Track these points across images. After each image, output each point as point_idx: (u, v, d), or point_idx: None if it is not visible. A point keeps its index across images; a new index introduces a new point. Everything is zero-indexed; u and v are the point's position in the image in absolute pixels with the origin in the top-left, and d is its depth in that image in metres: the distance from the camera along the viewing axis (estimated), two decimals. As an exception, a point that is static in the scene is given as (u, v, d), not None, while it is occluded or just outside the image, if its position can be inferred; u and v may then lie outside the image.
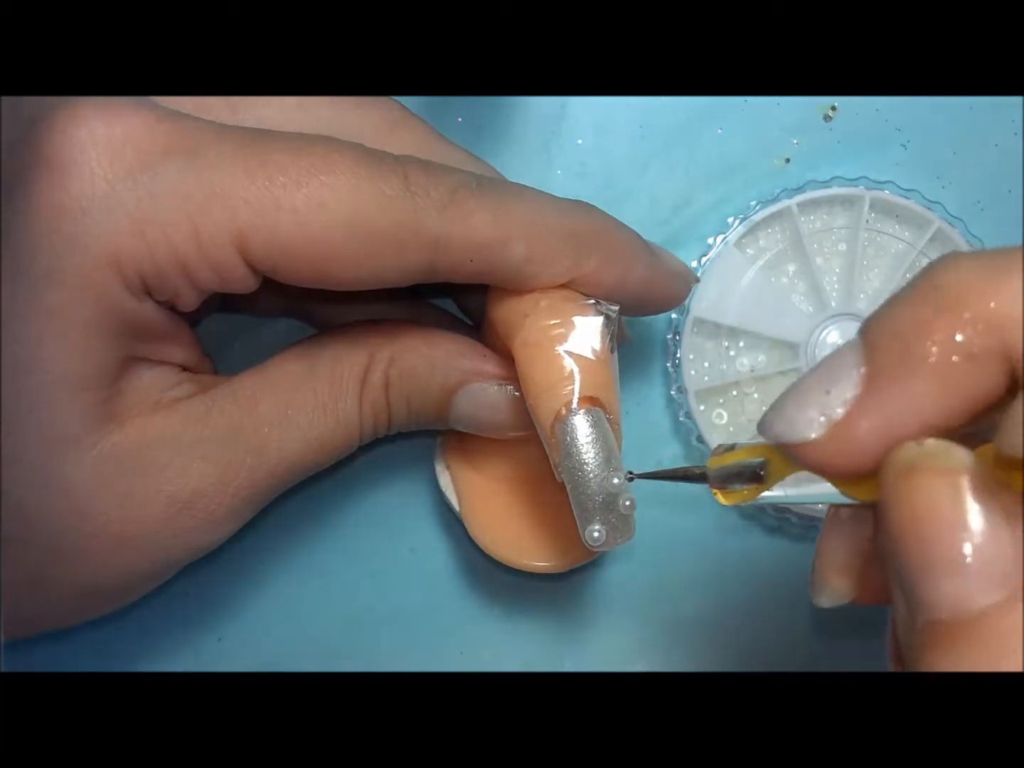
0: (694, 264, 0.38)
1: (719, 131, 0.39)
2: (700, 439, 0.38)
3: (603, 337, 0.32)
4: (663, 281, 0.34)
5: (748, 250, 0.38)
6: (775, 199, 0.38)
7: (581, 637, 0.38)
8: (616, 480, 0.31)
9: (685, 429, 0.38)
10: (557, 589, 0.38)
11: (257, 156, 0.28)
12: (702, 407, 0.38)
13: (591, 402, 0.31)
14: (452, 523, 0.38)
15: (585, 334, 0.32)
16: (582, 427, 0.31)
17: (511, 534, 0.36)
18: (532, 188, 0.32)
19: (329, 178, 0.28)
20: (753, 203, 0.38)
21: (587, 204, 0.32)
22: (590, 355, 0.32)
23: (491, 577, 0.38)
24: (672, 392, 0.38)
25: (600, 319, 0.32)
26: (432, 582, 0.38)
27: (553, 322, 0.32)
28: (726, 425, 0.38)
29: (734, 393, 0.38)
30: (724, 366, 0.39)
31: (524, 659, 0.38)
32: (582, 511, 0.31)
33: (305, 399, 0.32)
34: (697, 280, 0.36)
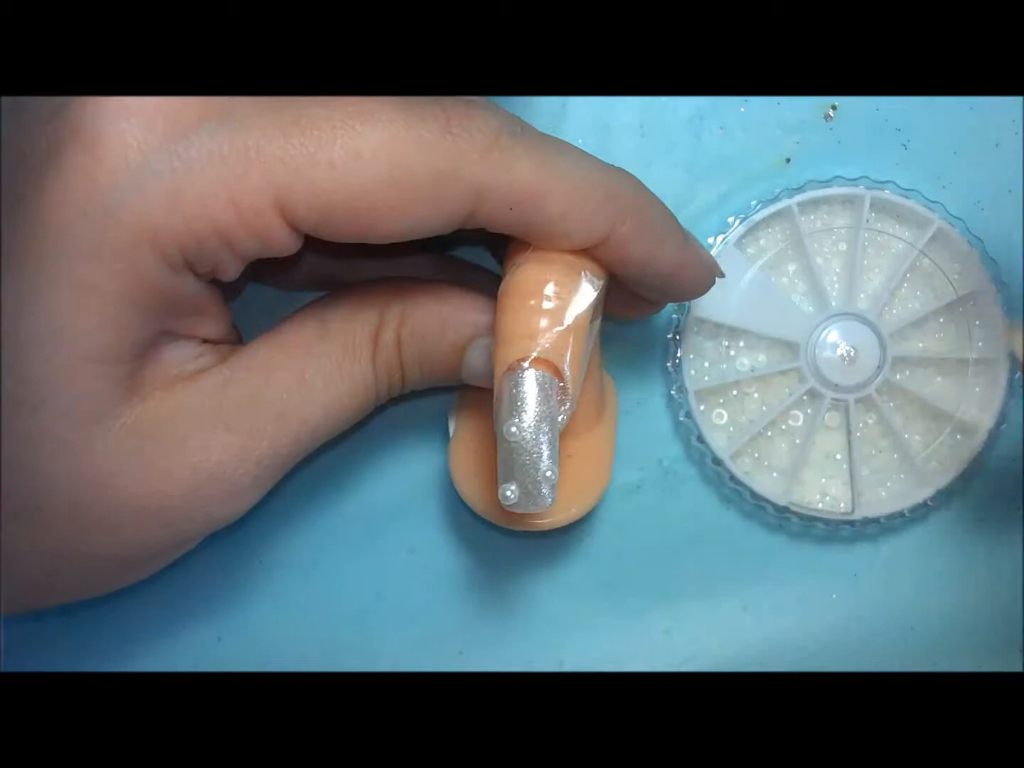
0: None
1: (719, 131, 0.39)
2: (700, 439, 0.38)
3: (582, 306, 0.31)
4: (691, 264, 0.33)
5: (748, 250, 0.38)
6: (775, 199, 0.38)
7: (581, 637, 0.38)
8: (514, 430, 0.30)
9: (685, 429, 0.38)
10: (557, 589, 0.38)
11: (290, 114, 0.28)
12: (702, 407, 0.38)
13: (547, 366, 0.30)
14: (452, 523, 0.38)
15: (565, 297, 0.31)
16: (527, 385, 0.30)
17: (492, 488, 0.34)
18: (572, 144, 0.31)
19: (365, 128, 0.28)
20: (753, 203, 0.38)
21: (627, 172, 0.32)
22: (563, 320, 0.30)
23: (491, 577, 0.38)
24: (672, 392, 0.38)
25: (588, 287, 0.31)
26: (432, 582, 0.38)
27: (537, 277, 0.31)
28: (726, 425, 0.38)
29: (734, 393, 0.38)
30: (724, 366, 0.39)
31: (524, 659, 0.38)
32: (503, 466, 0.30)
33: (320, 363, 0.31)
34: (722, 274, 0.35)
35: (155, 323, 0.29)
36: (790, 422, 0.38)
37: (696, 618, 0.38)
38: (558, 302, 0.31)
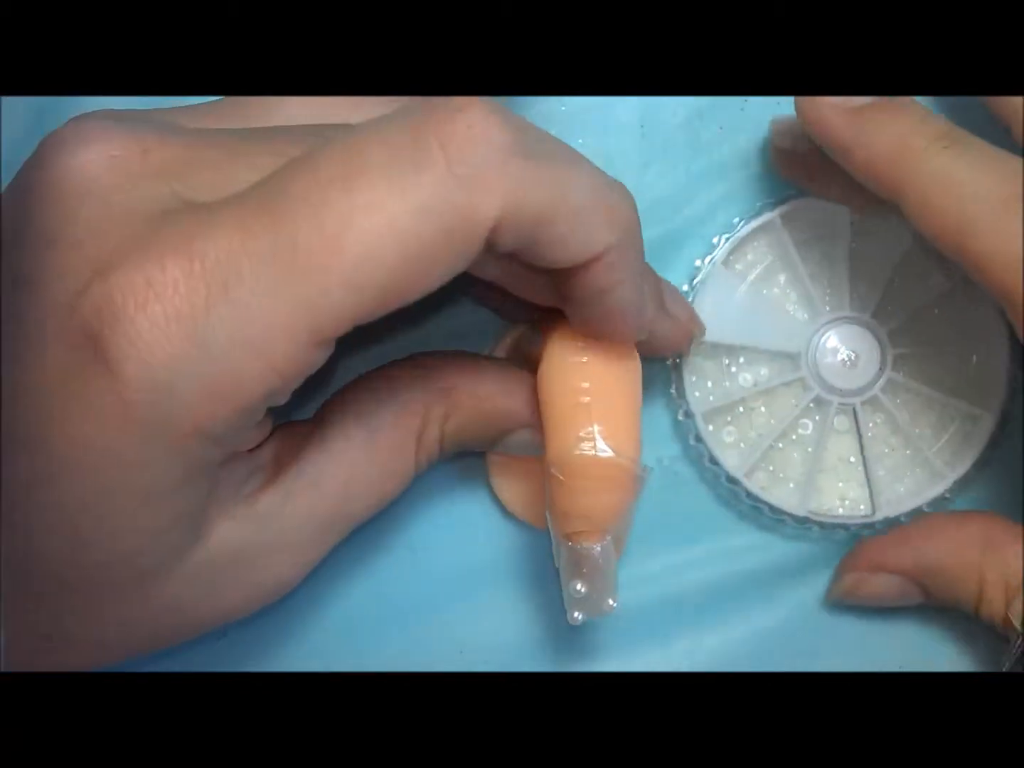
0: (685, 288, 0.38)
1: (719, 130, 0.39)
2: (713, 460, 0.38)
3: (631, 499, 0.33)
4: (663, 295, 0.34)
5: (737, 266, 0.38)
6: (757, 213, 0.38)
7: (581, 637, 0.38)
8: (580, 588, 0.32)
9: (685, 429, 0.38)
10: (557, 589, 0.38)
11: (287, 254, 0.26)
12: (710, 427, 0.38)
13: (603, 533, 0.33)
14: (452, 523, 0.38)
15: (616, 478, 0.33)
16: (588, 555, 0.33)
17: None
18: (570, 148, 0.30)
19: (361, 238, 0.26)
20: (736, 220, 0.38)
21: (622, 190, 0.31)
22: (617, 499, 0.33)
23: (491, 577, 0.38)
24: (679, 417, 0.38)
25: (635, 484, 0.33)
26: (432, 582, 0.38)
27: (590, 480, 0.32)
28: (736, 442, 0.38)
29: (741, 409, 0.38)
30: (727, 384, 0.38)
31: (524, 659, 0.38)
32: (567, 599, 0.33)
33: (368, 471, 0.33)
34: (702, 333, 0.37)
35: (214, 481, 0.29)
36: (800, 431, 0.38)
37: (696, 618, 0.38)
38: (613, 473, 0.33)
